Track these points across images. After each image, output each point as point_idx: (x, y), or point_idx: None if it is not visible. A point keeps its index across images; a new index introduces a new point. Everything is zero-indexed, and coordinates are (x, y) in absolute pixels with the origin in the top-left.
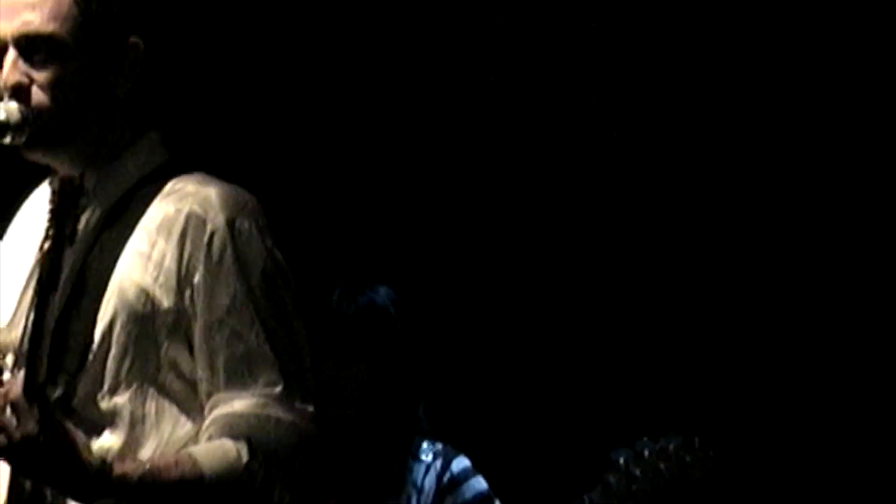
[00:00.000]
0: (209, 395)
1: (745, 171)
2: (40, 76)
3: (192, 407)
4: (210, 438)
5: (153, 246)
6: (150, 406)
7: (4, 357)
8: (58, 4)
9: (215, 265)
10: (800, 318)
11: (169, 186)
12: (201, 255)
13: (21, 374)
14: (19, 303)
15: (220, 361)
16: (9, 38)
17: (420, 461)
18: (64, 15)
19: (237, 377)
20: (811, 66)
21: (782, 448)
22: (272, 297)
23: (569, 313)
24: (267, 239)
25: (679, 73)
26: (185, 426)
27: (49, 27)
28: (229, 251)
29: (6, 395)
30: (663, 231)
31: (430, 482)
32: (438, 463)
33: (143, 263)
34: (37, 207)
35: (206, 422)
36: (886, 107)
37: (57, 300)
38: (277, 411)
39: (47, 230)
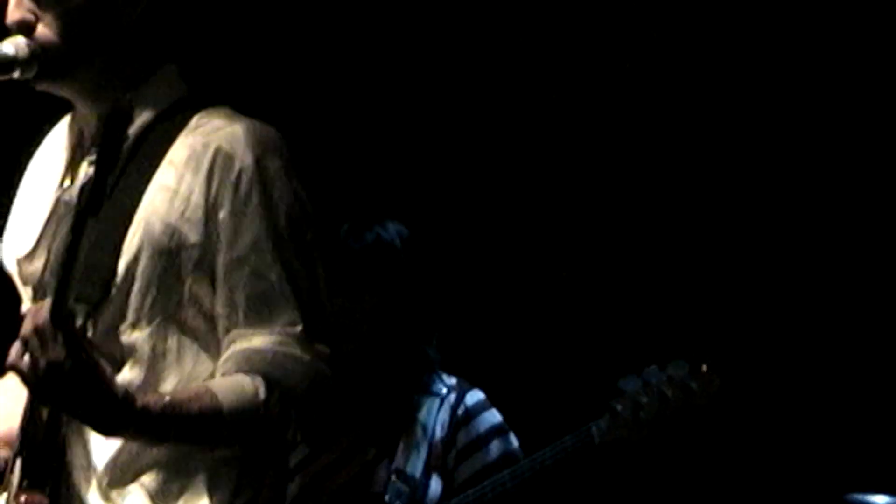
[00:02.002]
0: (227, 331)
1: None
2: (46, 13)
3: (212, 343)
4: (227, 373)
5: (180, 180)
6: (172, 342)
7: (25, 286)
8: None
9: (242, 203)
10: (804, 245)
11: (194, 121)
12: (228, 192)
13: (48, 300)
14: (41, 235)
15: (241, 298)
16: None
17: (434, 395)
18: None
19: (256, 315)
20: (811, 67)
21: (788, 372)
22: (296, 237)
23: (577, 242)
24: (294, 179)
25: (680, 70)
26: (206, 362)
27: None
28: (256, 190)
29: (32, 320)
30: (670, 162)
31: (444, 416)
32: (452, 397)
33: (169, 198)
34: (55, 145)
35: (224, 356)
36: (886, 107)
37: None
38: (295, 350)
39: (91, 159)
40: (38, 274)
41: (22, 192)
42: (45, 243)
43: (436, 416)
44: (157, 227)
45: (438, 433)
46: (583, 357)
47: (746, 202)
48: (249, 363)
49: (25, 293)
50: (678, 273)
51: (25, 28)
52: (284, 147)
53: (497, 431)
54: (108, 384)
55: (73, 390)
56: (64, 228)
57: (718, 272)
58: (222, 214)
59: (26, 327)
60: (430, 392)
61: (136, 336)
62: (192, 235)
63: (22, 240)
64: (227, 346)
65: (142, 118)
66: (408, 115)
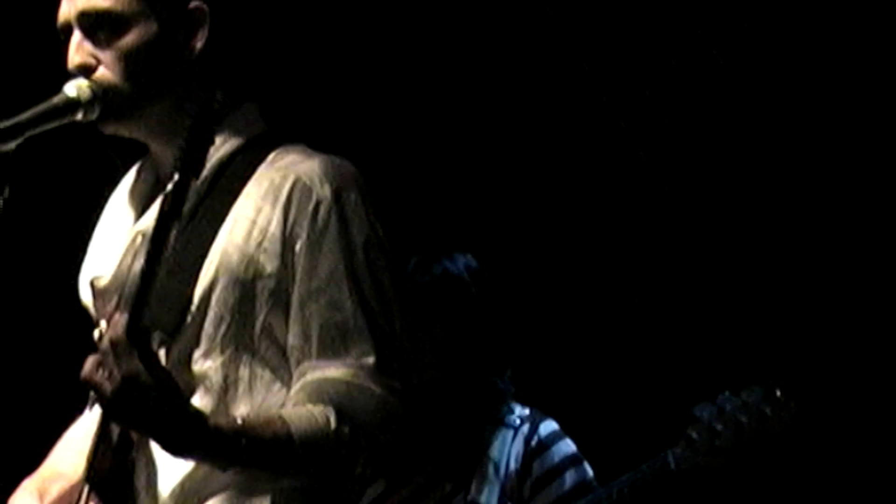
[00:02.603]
0: (300, 362)
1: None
2: (105, 55)
3: (284, 374)
4: (298, 403)
5: (258, 211)
6: (244, 371)
7: (101, 320)
8: None
9: (319, 234)
10: (875, 270)
11: (272, 156)
12: (306, 223)
13: (124, 315)
14: (117, 269)
15: (315, 329)
16: (71, 20)
17: (507, 427)
18: None
19: (330, 346)
20: (811, 67)
21: (863, 397)
22: (372, 270)
23: (650, 271)
24: (371, 212)
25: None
26: (278, 394)
27: (106, 3)
28: (334, 221)
29: (108, 335)
30: (740, 190)
31: (518, 447)
32: (526, 427)
33: (247, 228)
34: (130, 187)
35: (296, 387)
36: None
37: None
38: (368, 382)
39: (175, 166)
40: (113, 306)
41: (99, 232)
42: (121, 276)
43: (510, 448)
44: (235, 256)
45: (513, 464)
46: (657, 385)
47: (820, 226)
48: (321, 394)
49: (101, 327)
50: (751, 299)
51: (87, 72)
52: (362, 180)
53: (572, 461)
54: (183, 401)
55: (147, 405)
56: (140, 260)
57: (791, 297)
58: (299, 245)
59: (103, 342)
60: (503, 423)
61: (208, 364)
62: (269, 266)
63: (98, 275)
64: (300, 377)
65: (221, 152)
66: (476, 152)
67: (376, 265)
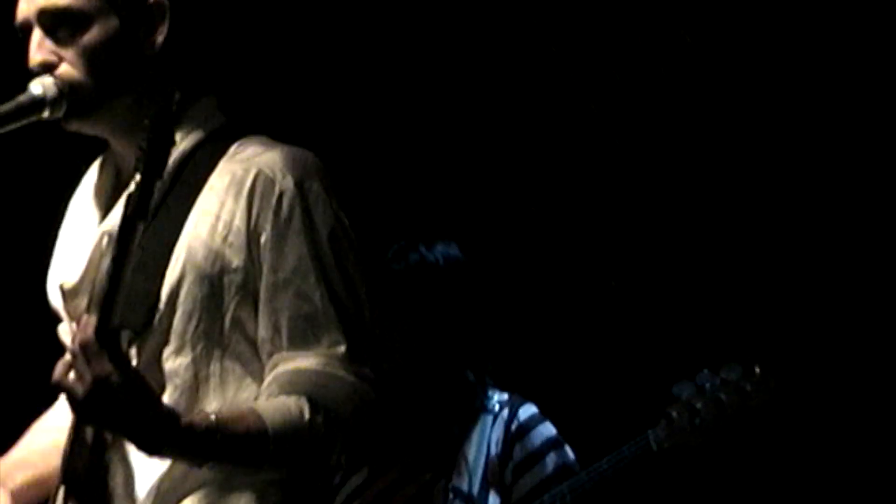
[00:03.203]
0: (271, 355)
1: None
2: (67, 52)
3: (256, 368)
4: (271, 396)
5: (222, 206)
6: (215, 367)
7: (71, 322)
8: None
9: (283, 225)
10: (857, 246)
11: (233, 149)
12: (270, 215)
13: (93, 318)
14: (85, 270)
15: (284, 321)
16: (31, 18)
17: (487, 412)
18: None
19: (300, 337)
20: (811, 67)
21: (842, 372)
22: (338, 258)
23: (627, 251)
24: (334, 201)
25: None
26: (249, 387)
27: (66, 0)
28: (298, 212)
29: (78, 338)
30: (718, 167)
31: (498, 432)
32: (505, 412)
33: (212, 223)
34: (92, 184)
35: (268, 378)
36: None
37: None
38: (340, 371)
39: (134, 187)
40: (83, 308)
41: (63, 233)
42: (89, 277)
43: (490, 433)
44: (200, 252)
45: (494, 449)
46: (635, 365)
47: (797, 202)
48: (293, 385)
49: (71, 329)
50: (728, 276)
51: (48, 69)
52: (323, 170)
53: (552, 444)
54: (155, 401)
55: (119, 406)
56: (108, 260)
57: (767, 273)
58: (264, 238)
59: (72, 345)
60: (483, 409)
61: (179, 361)
62: (235, 260)
63: (66, 276)
64: (271, 369)
65: (181, 147)
66: (454, 137)
67: (342, 254)
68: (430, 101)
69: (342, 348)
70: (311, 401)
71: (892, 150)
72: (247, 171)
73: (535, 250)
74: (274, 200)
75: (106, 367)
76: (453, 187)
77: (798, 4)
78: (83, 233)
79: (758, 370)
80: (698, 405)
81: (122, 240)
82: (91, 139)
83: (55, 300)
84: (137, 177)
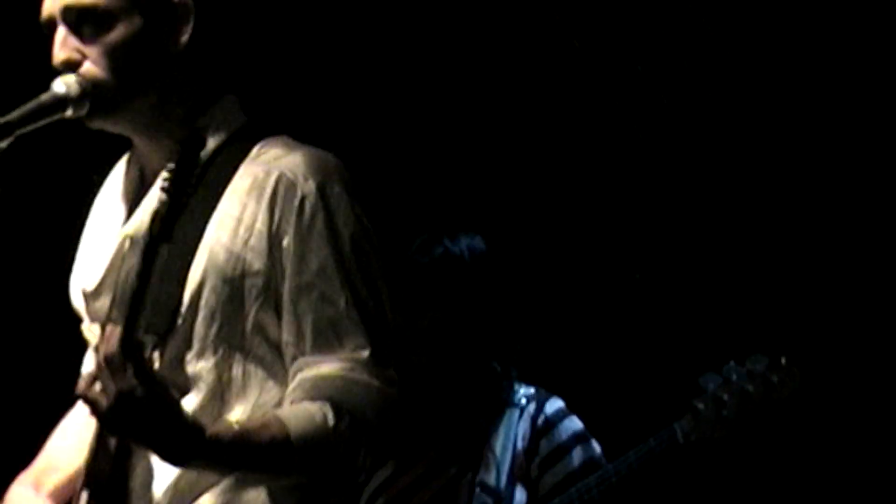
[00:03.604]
0: (294, 359)
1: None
2: (91, 50)
3: (278, 372)
4: (295, 401)
5: (244, 208)
6: (237, 370)
7: (92, 323)
8: None
9: (306, 229)
10: (882, 237)
11: (255, 150)
12: (292, 218)
13: (117, 329)
14: (107, 271)
15: (308, 325)
16: (56, 15)
17: (513, 406)
18: None
19: (324, 341)
20: (811, 67)
21: (869, 362)
22: (360, 261)
23: (651, 244)
24: (356, 204)
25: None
26: (272, 391)
27: None
28: (320, 216)
29: (102, 350)
30: (741, 156)
31: (524, 426)
32: (532, 406)
33: (233, 226)
34: (115, 184)
35: (293, 384)
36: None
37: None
38: (364, 375)
39: (164, 185)
40: (105, 309)
41: (87, 232)
42: (111, 279)
43: (516, 427)
44: (221, 255)
45: (520, 444)
46: (661, 357)
47: (821, 194)
48: (317, 390)
49: (92, 330)
50: (753, 267)
51: (72, 67)
52: (345, 173)
53: (579, 438)
54: (179, 413)
55: (144, 419)
56: (130, 262)
57: (792, 263)
58: (286, 241)
59: (97, 356)
60: (509, 403)
61: (201, 365)
62: (257, 263)
63: (89, 277)
64: (295, 374)
65: (203, 149)
66: (478, 131)
67: (365, 257)
68: (454, 94)
69: (366, 352)
70: (335, 406)
71: None
72: (268, 173)
73: (561, 243)
74: (296, 204)
75: (130, 380)
76: (478, 180)
77: (802, 6)
78: (106, 233)
79: (784, 361)
80: (725, 397)
81: (147, 259)
82: (114, 137)
83: (77, 301)
84: (164, 196)
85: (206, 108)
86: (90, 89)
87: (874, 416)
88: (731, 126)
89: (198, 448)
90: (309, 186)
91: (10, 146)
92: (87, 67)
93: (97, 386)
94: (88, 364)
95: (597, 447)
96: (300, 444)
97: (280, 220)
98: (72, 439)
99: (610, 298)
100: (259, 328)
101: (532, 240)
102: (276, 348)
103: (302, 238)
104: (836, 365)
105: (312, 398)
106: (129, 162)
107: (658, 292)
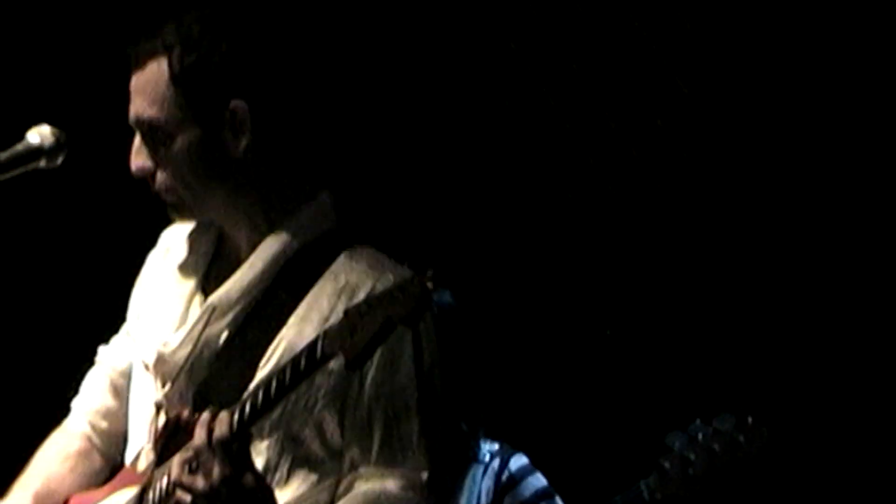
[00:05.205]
0: (353, 465)
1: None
2: (160, 159)
3: (323, 471)
4: None
5: (332, 309)
6: (284, 462)
7: (156, 376)
8: (155, 88)
9: (392, 348)
10: (847, 294)
11: (343, 258)
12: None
13: (224, 415)
14: (187, 334)
15: (377, 436)
16: (133, 123)
17: (477, 462)
18: (161, 98)
19: (389, 455)
20: (811, 67)
21: (835, 422)
22: (436, 389)
23: (615, 302)
24: (436, 330)
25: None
26: (312, 488)
27: (149, 112)
28: (408, 339)
29: (208, 433)
30: (706, 215)
31: (488, 482)
32: (496, 463)
33: (319, 322)
34: (184, 241)
35: (352, 491)
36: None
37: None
38: (420, 498)
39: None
40: (176, 369)
41: (152, 279)
42: (189, 342)
43: (480, 484)
44: (300, 347)
45: (483, 500)
46: (627, 415)
47: (792, 257)
48: None
49: (155, 382)
50: (720, 326)
51: (146, 174)
52: (430, 294)
53: (543, 496)
54: (276, 502)
55: None
56: (211, 331)
57: (760, 324)
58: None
59: (198, 440)
60: (473, 459)
61: (257, 443)
62: (334, 364)
63: (158, 332)
64: (355, 481)
65: (291, 245)
66: (442, 180)
67: (439, 385)
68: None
69: (425, 476)
70: None
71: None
72: (361, 283)
73: (528, 298)
74: (402, 299)
75: (236, 466)
76: (444, 232)
77: (799, 5)
78: (177, 289)
79: (750, 420)
80: (691, 456)
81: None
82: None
83: (143, 351)
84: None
85: (300, 202)
86: (65, 141)
87: (843, 475)
88: (696, 181)
89: None
90: (400, 311)
91: None
92: (159, 176)
93: (193, 468)
94: (92, 383)
95: None
96: None
97: None
98: (75, 469)
99: (578, 354)
100: (318, 425)
101: (500, 294)
102: (329, 449)
103: (387, 358)
104: (804, 425)
105: None
106: (203, 226)
107: (626, 349)
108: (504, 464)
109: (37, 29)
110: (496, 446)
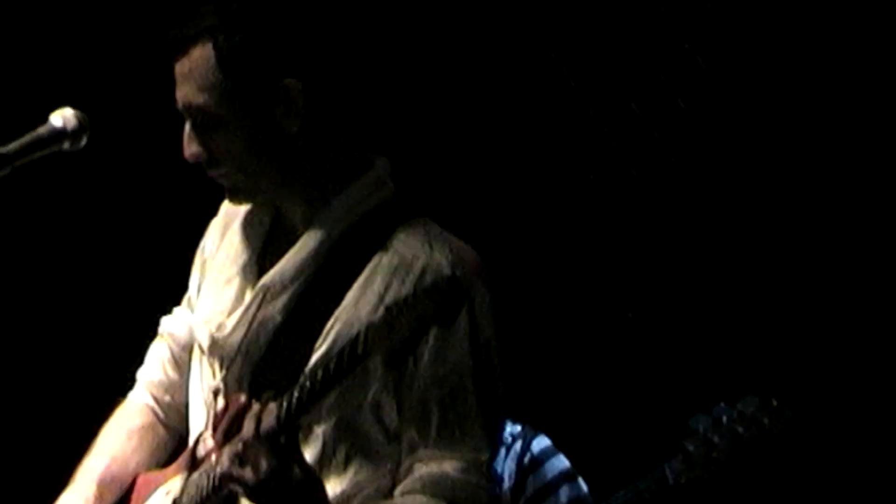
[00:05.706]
0: (412, 447)
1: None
2: (212, 145)
3: (382, 454)
4: (412, 492)
5: (387, 289)
6: (344, 443)
7: (211, 356)
8: (202, 74)
9: (448, 324)
10: (871, 276)
11: (400, 230)
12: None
13: (272, 406)
14: (241, 316)
15: (435, 417)
16: (182, 110)
17: (500, 444)
18: (210, 84)
19: (448, 436)
20: (811, 68)
21: (860, 402)
22: (491, 364)
23: (642, 283)
24: (492, 306)
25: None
26: (371, 472)
27: (199, 99)
28: (464, 315)
29: (257, 425)
30: (731, 197)
31: (510, 464)
32: (518, 444)
33: (374, 304)
34: (242, 217)
35: (412, 475)
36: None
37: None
38: (480, 479)
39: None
40: (230, 351)
41: (207, 253)
42: (242, 326)
43: (503, 465)
44: (356, 328)
45: (506, 482)
46: (651, 397)
47: (816, 238)
48: (436, 487)
49: (210, 362)
50: (745, 308)
51: (201, 161)
52: (485, 270)
53: (566, 477)
54: (324, 496)
55: (294, 498)
56: (265, 314)
57: (785, 304)
58: (428, 332)
59: (247, 432)
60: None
61: (312, 430)
62: None
63: (213, 311)
64: (413, 464)
65: (345, 221)
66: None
67: (493, 358)
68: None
69: (484, 456)
70: None
71: None
72: (416, 258)
73: (551, 280)
74: (441, 297)
75: (284, 457)
76: (469, 212)
77: (799, 5)
78: (233, 268)
79: (775, 403)
80: (715, 439)
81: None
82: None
83: (199, 330)
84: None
85: (358, 171)
86: (88, 123)
87: (864, 456)
88: (728, 164)
89: None
90: (455, 285)
91: (7, 177)
92: (213, 161)
93: (242, 460)
94: (154, 356)
95: (584, 486)
96: None
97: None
98: (125, 445)
99: (601, 337)
100: (375, 407)
101: (522, 275)
102: (387, 432)
103: (443, 334)
104: (828, 406)
105: (432, 494)
106: (255, 206)
107: (650, 332)
108: (527, 445)
109: (60, 12)
110: (518, 428)
